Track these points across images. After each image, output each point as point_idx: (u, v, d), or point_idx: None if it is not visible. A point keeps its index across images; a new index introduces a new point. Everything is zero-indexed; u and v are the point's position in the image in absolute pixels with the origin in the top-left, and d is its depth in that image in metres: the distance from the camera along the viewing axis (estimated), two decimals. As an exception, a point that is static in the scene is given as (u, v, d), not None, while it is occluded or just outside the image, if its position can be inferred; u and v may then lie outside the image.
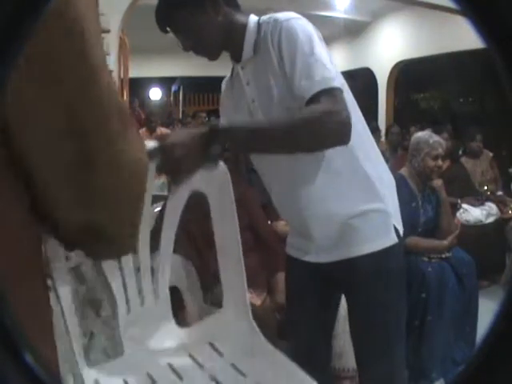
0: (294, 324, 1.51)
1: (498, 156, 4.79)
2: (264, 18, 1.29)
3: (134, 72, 5.41)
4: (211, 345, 1.31)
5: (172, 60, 8.07)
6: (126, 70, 4.41)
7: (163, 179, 4.37)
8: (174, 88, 11.77)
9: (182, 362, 1.27)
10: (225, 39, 1.31)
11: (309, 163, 1.27)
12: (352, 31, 6.95)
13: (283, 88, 1.22)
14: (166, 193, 2.55)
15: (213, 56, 1.34)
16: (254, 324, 1.29)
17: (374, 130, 5.84)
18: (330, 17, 6.25)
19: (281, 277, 1.78)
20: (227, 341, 1.31)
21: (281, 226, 2.59)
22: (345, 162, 1.27)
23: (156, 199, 3.16)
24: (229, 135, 1.19)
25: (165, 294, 1.38)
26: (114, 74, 3.26)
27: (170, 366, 1.25)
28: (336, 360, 2.11)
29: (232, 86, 1.42)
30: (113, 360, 1.26)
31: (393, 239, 1.30)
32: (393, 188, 1.37)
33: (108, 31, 3.18)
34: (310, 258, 1.36)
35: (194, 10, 1.25)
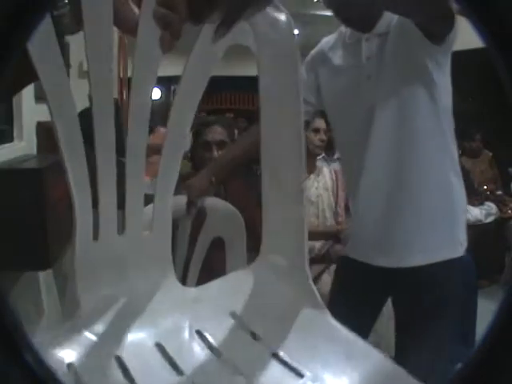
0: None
1: (497, 155, 4.79)
2: None
3: (134, 72, 5.40)
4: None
5: (172, 59, 8.06)
6: (126, 70, 4.40)
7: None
8: (173, 88, 11.75)
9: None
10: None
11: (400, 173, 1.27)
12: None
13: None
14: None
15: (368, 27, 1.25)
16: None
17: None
18: (329, 16, 6.23)
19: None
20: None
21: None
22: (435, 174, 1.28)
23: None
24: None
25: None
26: (114, 74, 3.25)
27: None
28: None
29: (336, 51, 1.35)
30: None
31: (458, 252, 1.32)
32: (464, 200, 1.38)
33: (107, 31, 3.17)
34: (373, 260, 1.35)
35: None
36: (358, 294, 1.42)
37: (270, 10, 0.77)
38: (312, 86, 1.41)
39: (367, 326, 1.45)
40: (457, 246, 1.33)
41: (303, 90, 1.15)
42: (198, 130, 2.02)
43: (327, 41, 1.44)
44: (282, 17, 0.80)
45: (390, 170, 1.28)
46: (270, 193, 1.01)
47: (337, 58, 1.36)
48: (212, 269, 1.32)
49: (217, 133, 1.98)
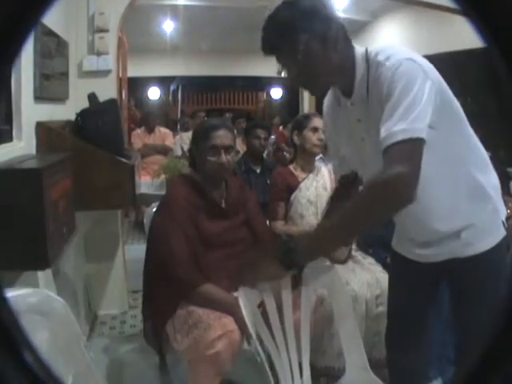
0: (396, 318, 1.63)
1: (496, 156, 4.78)
2: (372, 51, 1.28)
3: (133, 71, 5.40)
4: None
5: (171, 60, 8.06)
6: (125, 70, 4.40)
7: (161, 179, 4.37)
8: (172, 87, 11.75)
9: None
10: (334, 76, 1.30)
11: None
12: (351, 31, 6.93)
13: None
14: (163, 192, 2.55)
15: (317, 93, 1.36)
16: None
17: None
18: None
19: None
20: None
21: (279, 225, 2.59)
22: (457, 170, 1.35)
23: (153, 198, 3.13)
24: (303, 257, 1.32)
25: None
26: (113, 74, 3.25)
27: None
28: (336, 360, 2.11)
29: (338, 115, 1.44)
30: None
31: (502, 233, 1.40)
32: (498, 187, 1.45)
33: (107, 31, 3.16)
34: (420, 257, 1.46)
35: (309, 43, 1.22)
36: (411, 282, 1.54)
37: None
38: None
39: (425, 314, 1.58)
40: (500, 229, 1.40)
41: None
42: (204, 133, 2.02)
43: (328, 105, 1.50)
44: None
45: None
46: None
47: (338, 123, 1.46)
48: None
49: (225, 137, 2.02)
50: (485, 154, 1.46)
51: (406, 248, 1.52)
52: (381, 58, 1.24)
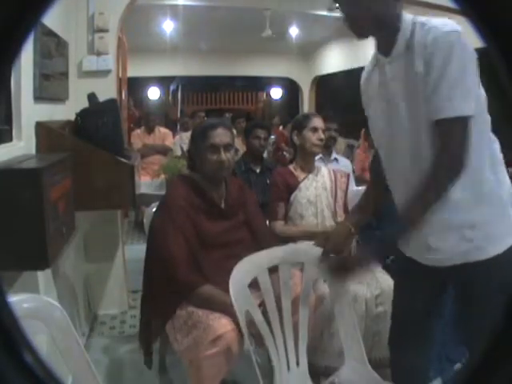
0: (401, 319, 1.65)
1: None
2: (419, 19, 1.32)
3: (133, 71, 5.40)
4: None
5: (170, 60, 8.06)
6: (125, 70, 4.40)
7: (161, 179, 4.37)
8: (172, 87, 11.75)
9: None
10: (380, 26, 1.33)
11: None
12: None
13: (423, 95, 1.28)
14: (163, 192, 2.55)
15: (363, 36, 1.36)
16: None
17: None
18: (329, 16, 6.23)
19: (276, 276, 1.79)
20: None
21: (279, 225, 2.59)
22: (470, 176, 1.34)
23: (153, 198, 3.13)
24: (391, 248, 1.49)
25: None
26: (113, 74, 3.25)
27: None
28: (336, 359, 2.11)
29: (371, 77, 1.47)
30: None
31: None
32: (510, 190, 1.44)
33: (107, 31, 3.16)
34: (428, 261, 1.46)
35: None
36: (417, 283, 1.55)
37: None
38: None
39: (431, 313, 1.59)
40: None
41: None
42: (203, 132, 2.03)
43: (366, 72, 1.53)
44: None
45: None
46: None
47: (371, 87, 1.49)
48: None
49: (223, 135, 2.03)
50: (499, 152, 1.45)
51: (417, 251, 1.49)
52: (430, 22, 1.28)
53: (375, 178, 1.68)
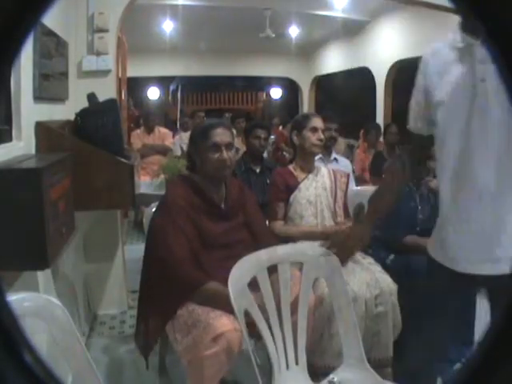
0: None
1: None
2: None
3: (133, 71, 5.40)
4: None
5: (170, 60, 8.07)
6: (125, 70, 4.40)
7: (161, 179, 4.37)
8: (172, 87, 11.76)
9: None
10: None
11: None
12: (350, 31, 6.94)
13: None
14: (162, 192, 2.56)
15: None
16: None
17: (376, 128, 5.83)
18: (328, 16, 6.24)
19: (275, 276, 1.79)
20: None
21: (278, 225, 2.59)
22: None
23: (152, 198, 3.13)
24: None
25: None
26: (113, 74, 3.25)
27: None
28: (335, 360, 2.11)
29: (447, 60, 1.41)
30: None
31: None
32: None
33: (106, 31, 3.16)
34: (465, 269, 1.43)
35: None
36: (449, 292, 1.52)
37: None
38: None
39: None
40: None
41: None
42: (204, 132, 2.03)
43: (446, 46, 1.47)
44: None
45: (498, 174, 1.34)
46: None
47: (452, 68, 1.41)
48: None
49: (224, 135, 2.05)
50: None
51: (459, 263, 1.46)
52: None
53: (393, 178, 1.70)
